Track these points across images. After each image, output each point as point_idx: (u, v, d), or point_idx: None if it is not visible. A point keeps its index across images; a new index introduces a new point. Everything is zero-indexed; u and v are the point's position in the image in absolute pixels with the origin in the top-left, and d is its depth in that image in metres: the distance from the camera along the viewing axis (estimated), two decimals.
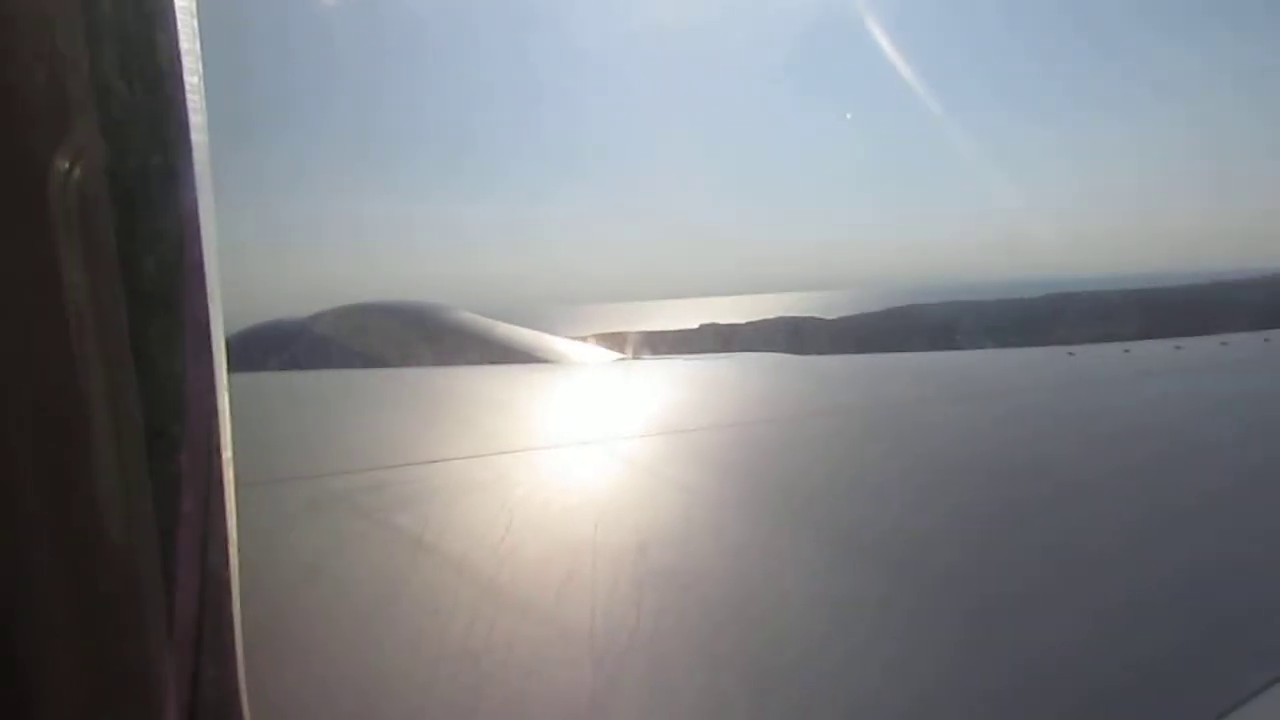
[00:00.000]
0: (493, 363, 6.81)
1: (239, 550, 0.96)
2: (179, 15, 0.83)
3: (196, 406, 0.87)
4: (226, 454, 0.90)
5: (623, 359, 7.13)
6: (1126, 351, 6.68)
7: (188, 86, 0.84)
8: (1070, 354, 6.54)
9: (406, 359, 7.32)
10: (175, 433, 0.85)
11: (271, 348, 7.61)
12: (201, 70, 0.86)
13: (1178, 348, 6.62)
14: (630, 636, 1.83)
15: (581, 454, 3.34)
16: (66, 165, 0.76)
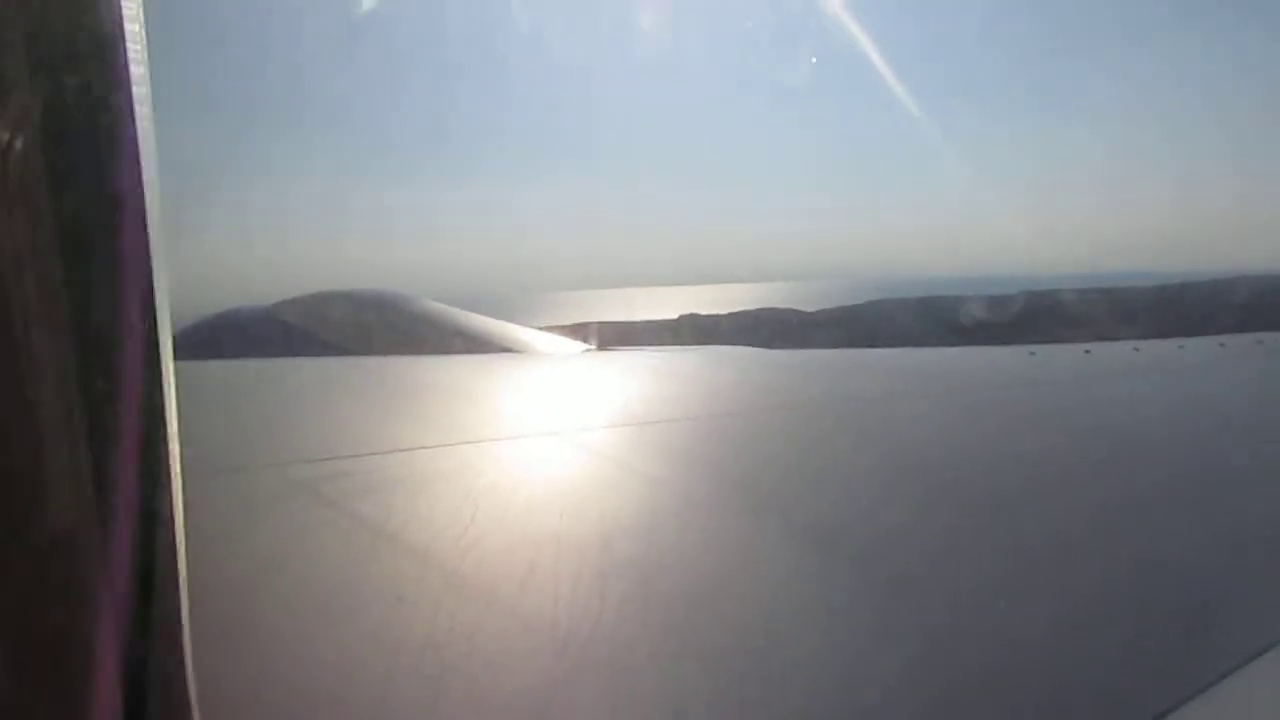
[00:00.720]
0: (458, 352, 6.77)
1: (196, 539, 0.95)
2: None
3: (141, 394, 0.86)
4: (174, 444, 0.90)
5: (590, 349, 7.11)
6: (1087, 353, 6.85)
7: (131, 66, 0.81)
8: (1031, 354, 6.67)
9: (370, 348, 7.27)
10: (119, 421, 0.83)
11: (234, 336, 7.53)
12: (147, 51, 0.84)
13: (1136, 349, 6.80)
14: (594, 626, 1.85)
15: (546, 445, 3.37)
16: (2, 144, 0.74)
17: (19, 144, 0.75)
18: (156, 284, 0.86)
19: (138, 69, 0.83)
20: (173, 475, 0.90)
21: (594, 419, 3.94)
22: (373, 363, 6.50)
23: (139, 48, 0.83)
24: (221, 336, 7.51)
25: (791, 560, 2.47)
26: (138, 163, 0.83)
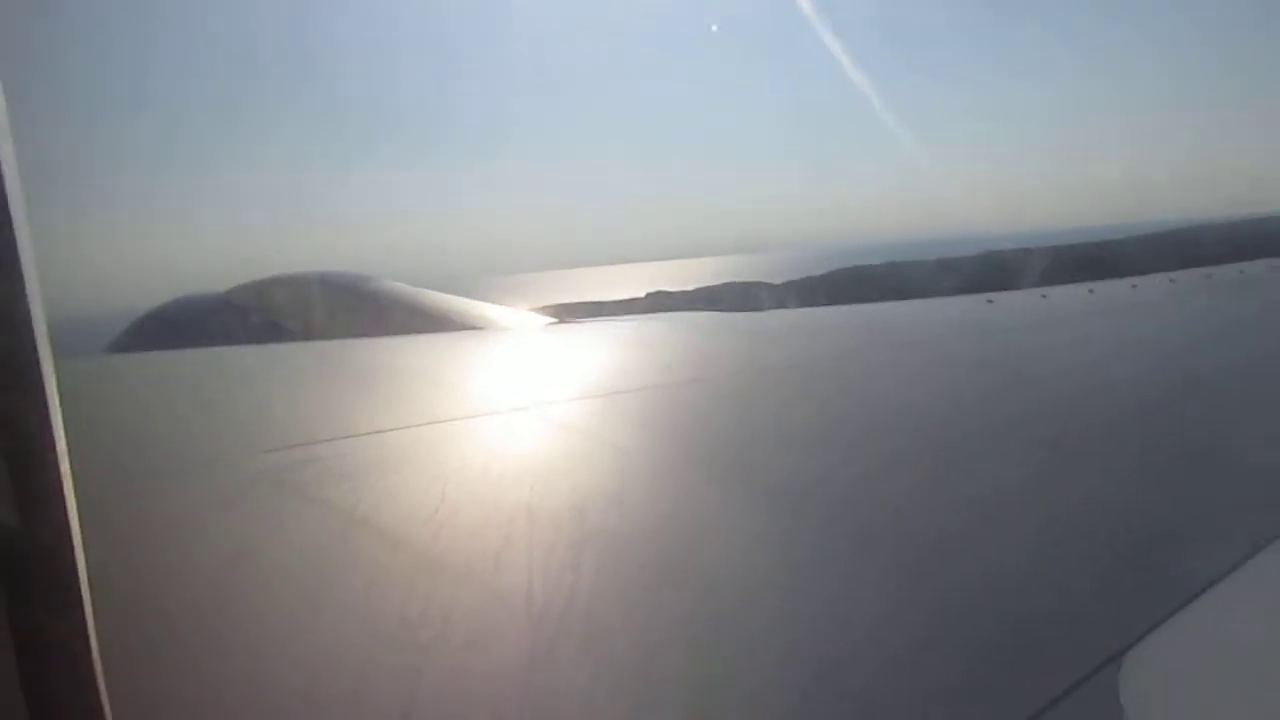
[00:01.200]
0: (421, 332, 6.71)
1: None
2: None
3: (18, 399, 0.83)
4: (60, 445, 0.87)
5: (554, 323, 7.10)
6: (1044, 298, 7.02)
7: None
8: (989, 301, 6.82)
9: (330, 331, 7.18)
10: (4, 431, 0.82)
11: (188, 323, 7.40)
12: None
13: (1091, 291, 7.03)
14: (570, 601, 1.88)
15: (514, 420, 3.38)
16: None
17: None
18: (27, 280, 0.83)
19: None
20: (64, 479, 0.87)
21: (560, 392, 3.96)
22: (333, 346, 6.42)
23: None
24: (176, 325, 7.39)
25: (764, 525, 2.50)
26: None
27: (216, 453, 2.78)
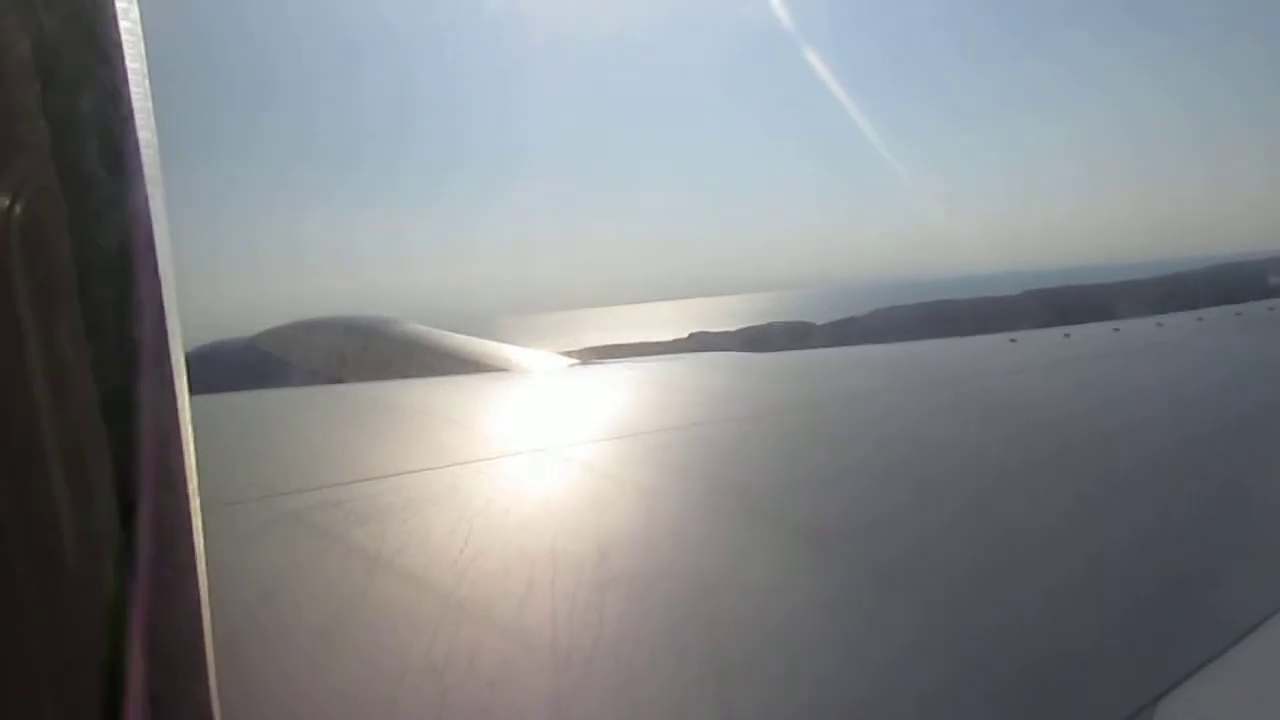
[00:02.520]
0: (445, 374, 6.76)
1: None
2: (123, 35, 0.84)
3: (158, 434, 0.88)
4: (192, 482, 0.92)
5: (576, 364, 7.10)
6: (1067, 336, 6.91)
7: (135, 103, 0.84)
8: (1012, 340, 6.72)
9: (357, 374, 7.27)
10: (137, 462, 0.86)
11: (218, 369, 7.54)
12: (148, 87, 0.87)
13: (1116, 330, 6.90)
14: (593, 645, 1.88)
15: (538, 462, 3.38)
16: (15, 188, 0.77)
17: (26, 195, 0.77)
18: (169, 321, 0.88)
19: (143, 112, 0.85)
20: (194, 515, 0.93)
21: (583, 433, 3.96)
22: (358, 389, 6.49)
23: (144, 95, 0.86)
24: (205, 370, 7.52)
25: (794, 567, 2.50)
26: (145, 203, 0.86)
27: (240, 494, 2.78)
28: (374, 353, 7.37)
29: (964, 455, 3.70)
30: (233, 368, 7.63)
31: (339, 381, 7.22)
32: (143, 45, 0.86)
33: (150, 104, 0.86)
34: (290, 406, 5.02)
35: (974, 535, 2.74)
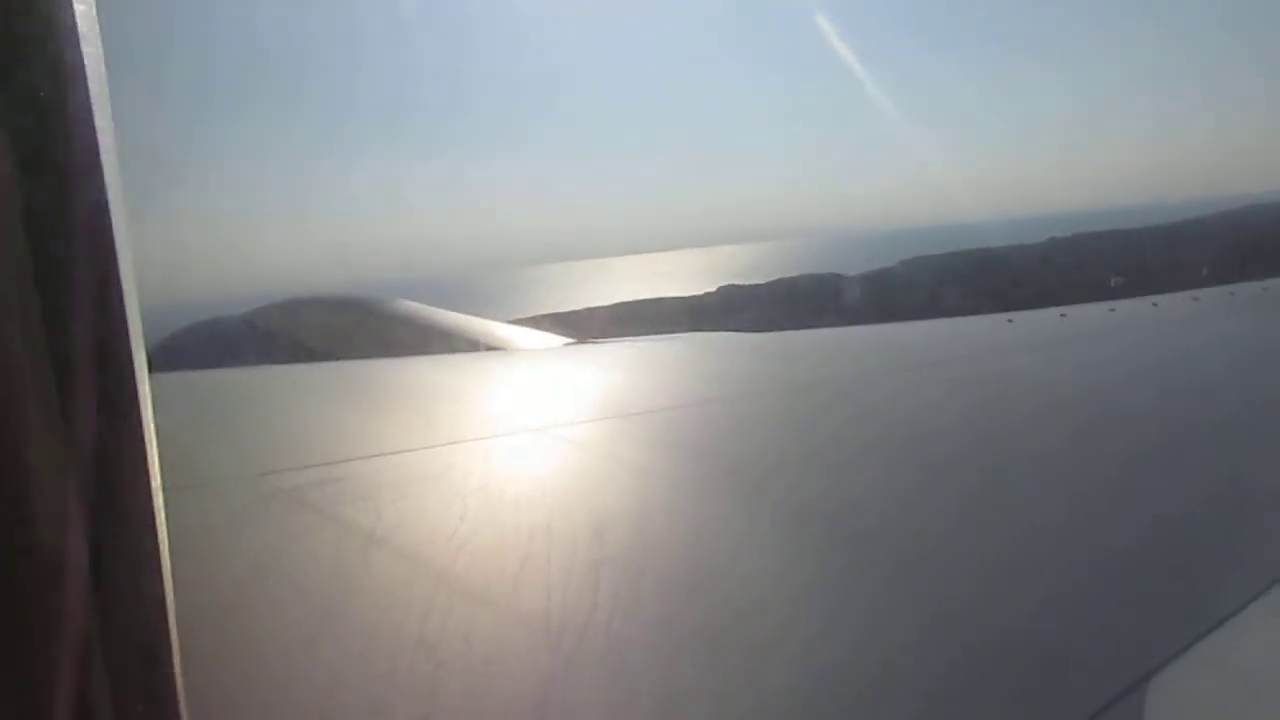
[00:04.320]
0: (438, 353, 6.77)
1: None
2: (79, 20, 0.81)
3: (118, 415, 0.87)
4: (154, 472, 0.91)
5: (571, 343, 7.07)
6: (1063, 316, 6.82)
7: (91, 82, 0.82)
8: (1009, 321, 6.63)
9: (350, 352, 7.30)
10: (97, 442, 0.84)
11: (212, 345, 7.61)
12: (104, 61, 0.84)
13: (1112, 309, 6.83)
14: (587, 621, 1.89)
15: (532, 441, 3.40)
16: None
17: None
18: (128, 303, 0.88)
19: (99, 88, 0.83)
20: (155, 494, 0.93)
21: (574, 414, 3.97)
22: (353, 367, 6.52)
23: (99, 77, 0.84)
24: (199, 346, 7.60)
25: (782, 548, 2.51)
26: (103, 185, 0.84)
27: (234, 472, 2.84)
28: (369, 330, 7.39)
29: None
30: (225, 344, 7.68)
31: (334, 359, 7.25)
32: (98, 29, 0.84)
33: (107, 89, 0.85)
34: (283, 384, 5.06)
35: (969, 518, 2.75)
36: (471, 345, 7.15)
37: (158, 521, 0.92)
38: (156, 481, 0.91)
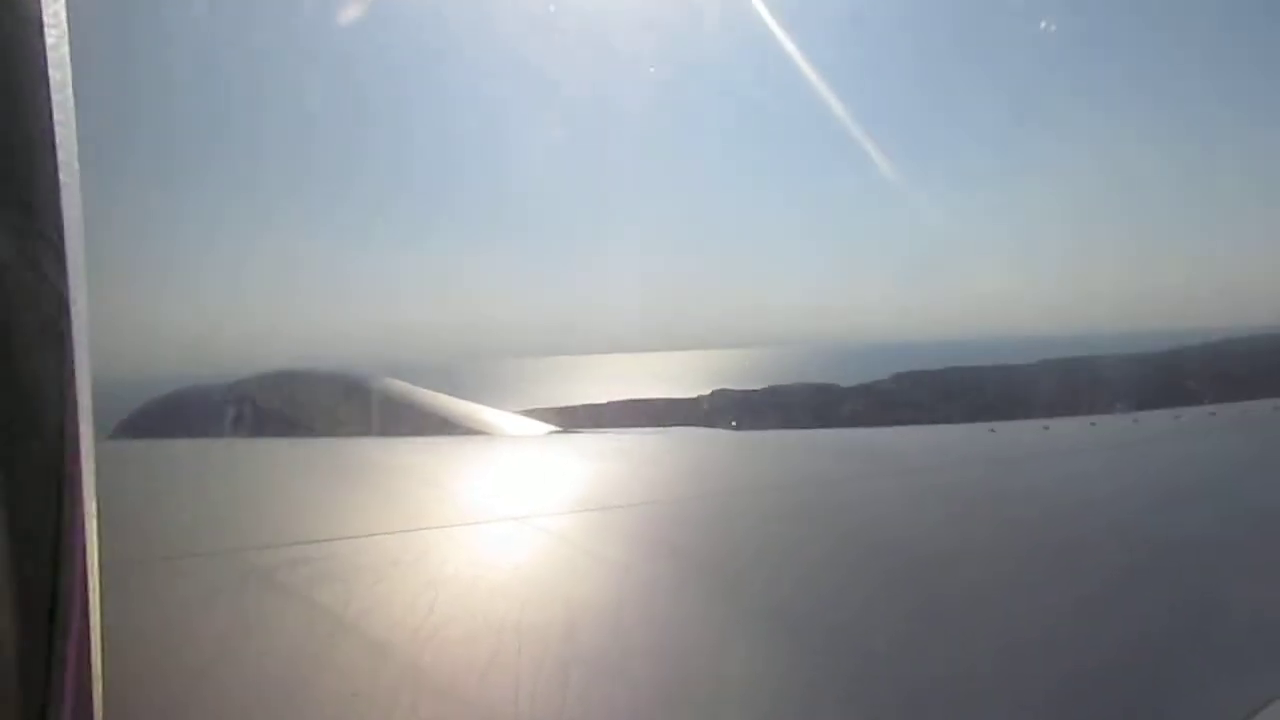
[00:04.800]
0: (423, 434, 6.77)
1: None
2: (49, 54, 0.82)
3: (57, 490, 0.85)
4: (91, 543, 0.89)
5: (556, 431, 7.08)
6: (1046, 429, 6.93)
7: (58, 134, 0.82)
8: (991, 430, 6.72)
9: (332, 428, 7.30)
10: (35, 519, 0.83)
11: (191, 414, 7.59)
12: (73, 109, 0.84)
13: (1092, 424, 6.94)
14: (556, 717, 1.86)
15: (509, 530, 3.35)
16: None
17: None
18: (79, 370, 0.86)
19: (65, 147, 0.83)
20: (90, 559, 0.89)
21: (555, 503, 3.94)
22: (334, 444, 6.53)
23: (67, 128, 0.83)
24: (178, 415, 7.58)
25: (755, 646, 2.47)
26: (61, 244, 0.83)
27: (207, 548, 2.80)
28: (353, 407, 7.40)
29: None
30: (205, 414, 7.67)
31: (316, 435, 7.23)
32: (69, 70, 0.84)
33: (74, 121, 0.84)
34: (263, 458, 5.07)
35: (940, 622, 2.70)
36: (457, 428, 7.15)
37: (90, 597, 0.89)
38: (95, 561, 0.89)
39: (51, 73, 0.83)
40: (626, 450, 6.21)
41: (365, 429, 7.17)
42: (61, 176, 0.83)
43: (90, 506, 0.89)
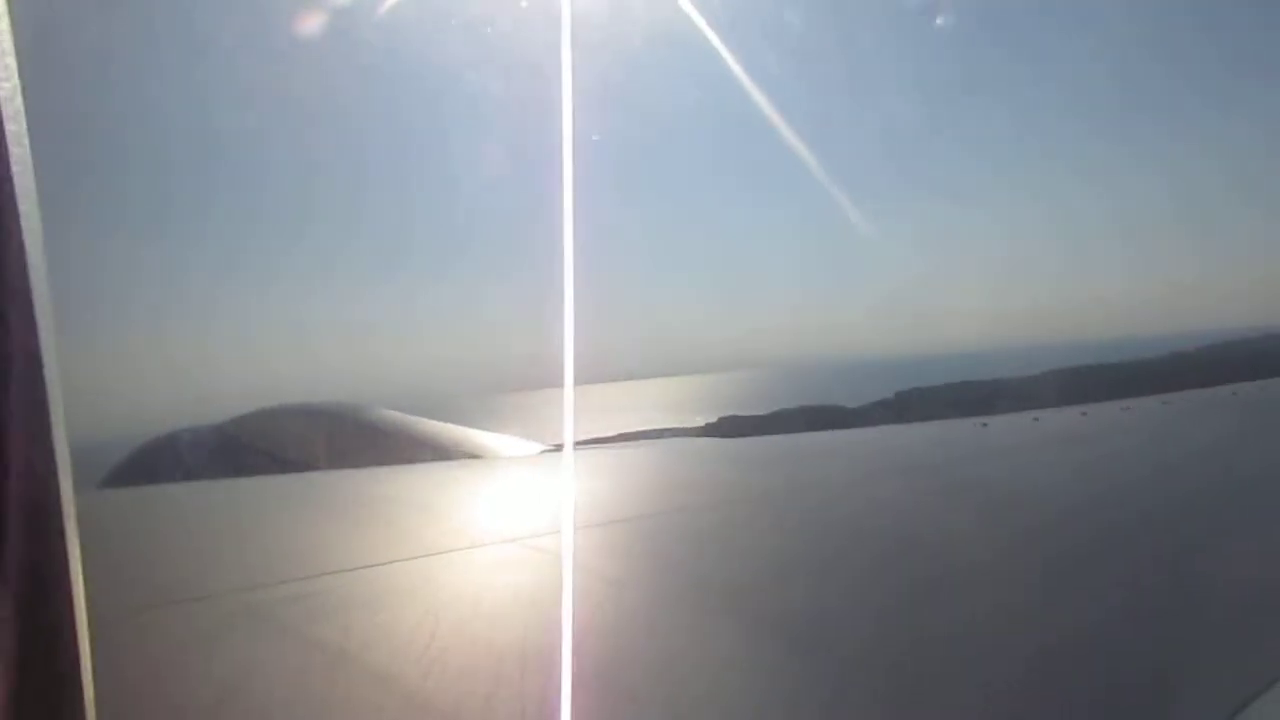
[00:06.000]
0: (416, 461, 6.76)
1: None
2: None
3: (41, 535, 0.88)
4: (77, 584, 0.90)
5: (549, 450, 7.07)
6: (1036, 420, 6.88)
7: (12, 148, 0.83)
8: (984, 425, 6.67)
9: (327, 462, 7.29)
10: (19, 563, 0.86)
11: (185, 456, 7.60)
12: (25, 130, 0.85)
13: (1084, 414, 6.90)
14: None
15: (506, 553, 3.32)
16: None
17: None
18: (51, 400, 0.87)
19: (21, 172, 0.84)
20: (78, 612, 0.91)
21: (553, 523, 3.90)
22: (328, 477, 6.51)
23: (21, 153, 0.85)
24: (172, 457, 7.58)
25: (759, 661, 2.46)
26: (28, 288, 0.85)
27: (205, 589, 2.77)
28: (345, 440, 7.40)
29: None
30: (199, 455, 7.67)
31: (310, 470, 7.22)
32: (19, 96, 0.84)
33: (28, 145, 0.85)
34: (257, 496, 5.03)
35: (939, 625, 2.71)
36: (451, 453, 7.15)
37: (80, 638, 0.90)
38: (81, 599, 0.90)
39: (7, 125, 0.85)
40: (617, 465, 6.18)
41: (360, 460, 7.17)
42: (22, 217, 0.85)
43: (75, 551, 0.90)
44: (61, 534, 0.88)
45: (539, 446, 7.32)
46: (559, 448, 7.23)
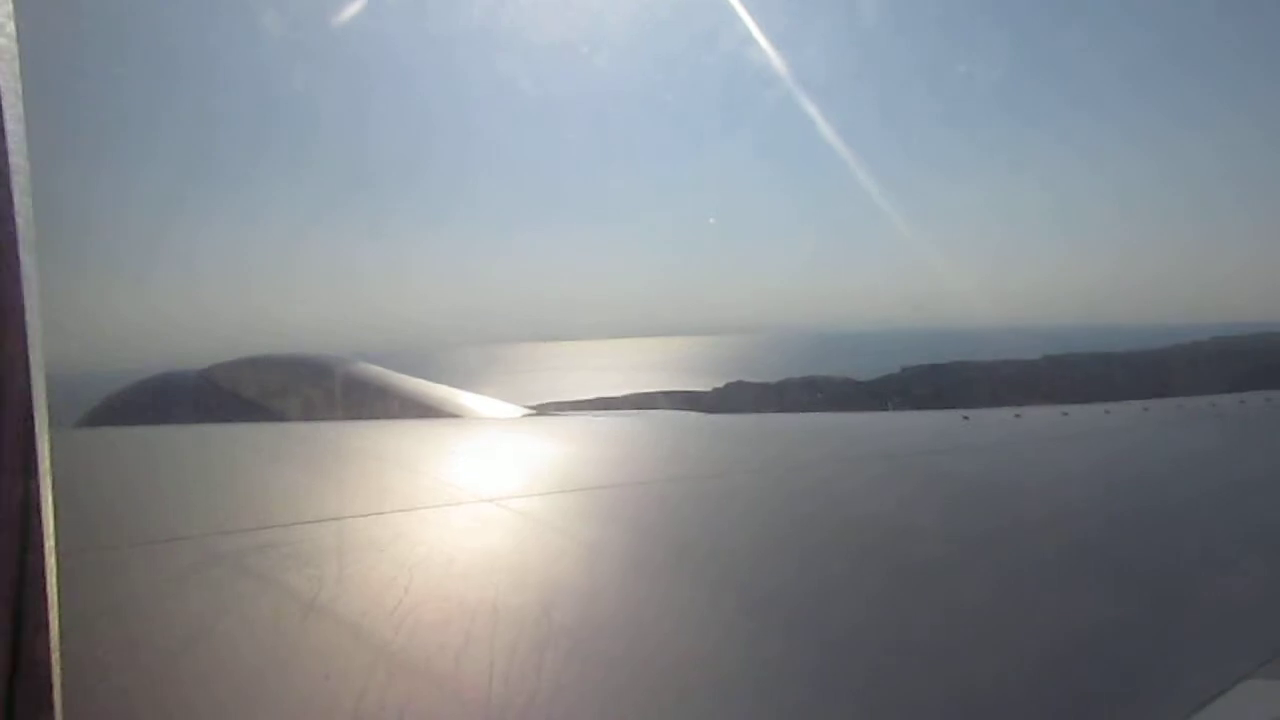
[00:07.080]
0: (398, 417, 6.74)
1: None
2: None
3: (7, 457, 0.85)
4: (48, 527, 0.89)
5: (530, 413, 7.03)
6: (1017, 417, 6.93)
7: (7, 113, 0.82)
8: (965, 418, 6.71)
9: (306, 413, 7.29)
10: None
11: (164, 400, 7.61)
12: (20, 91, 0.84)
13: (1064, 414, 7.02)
14: (528, 702, 1.87)
15: (483, 511, 3.37)
16: None
17: None
18: (32, 354, 0.85)
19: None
20: (46, 552, 0.90)
21: (531, 485, 3.96)
22: (307, 428, 6.54)
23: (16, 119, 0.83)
24: (151, 401, 7.59)
25: (731, 623, 2.52)
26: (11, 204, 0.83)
27: (177, 532, 2.79)
28: (326, 392, 7.39)
29: None
30: (179, 400, 7.68)
31: (290, 418, 7.21)
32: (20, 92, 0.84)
33: (22, 115, 0.83)
34: (235, 443, 5.09)
35: (925, 601, 2.78)
36: (431, 411, 7.12)
37: (48, 583, 0.90)
38: (51, 543, 0.89)
39: None
40: (599, 432, 6.19)
41: (338, 413, 7.16)
42: (12, 161, 0.83)
43: (47, 494, 0.89)
44: (35, 471, 0.88)
45: (521, 410, 7.29)
46: (543, 411, 7.20)
